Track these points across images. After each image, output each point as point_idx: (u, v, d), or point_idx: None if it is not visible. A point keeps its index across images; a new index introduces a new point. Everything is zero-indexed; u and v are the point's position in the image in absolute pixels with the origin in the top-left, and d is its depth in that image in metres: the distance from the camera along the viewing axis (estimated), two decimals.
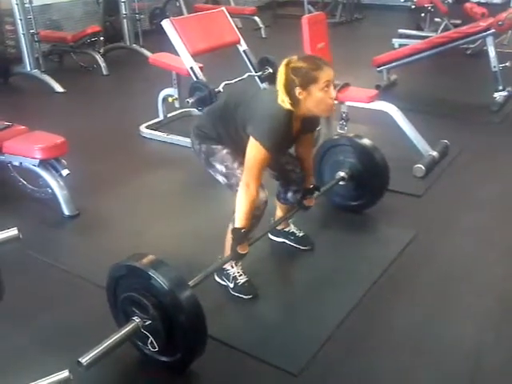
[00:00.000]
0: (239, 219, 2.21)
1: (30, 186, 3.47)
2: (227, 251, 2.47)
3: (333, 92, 2.17)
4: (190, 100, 3.97)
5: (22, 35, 5.95)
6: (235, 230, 2.23)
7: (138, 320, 1.95)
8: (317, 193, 2.72)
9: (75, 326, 2.37)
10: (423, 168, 3.59)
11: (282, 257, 2.86)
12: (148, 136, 4.53)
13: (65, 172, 3.21)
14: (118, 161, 4.10)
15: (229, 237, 2.43)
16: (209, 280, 2.54)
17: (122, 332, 1.93)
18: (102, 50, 6.97)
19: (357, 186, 3.06)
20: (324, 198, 3.15)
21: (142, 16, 7.45)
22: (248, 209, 2.19)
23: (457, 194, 3.46)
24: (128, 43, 7.34)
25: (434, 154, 3.74)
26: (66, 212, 3.25)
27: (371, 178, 3.02)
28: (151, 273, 1.90)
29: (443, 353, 2.18)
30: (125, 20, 7.24)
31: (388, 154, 3.09)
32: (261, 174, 2.21)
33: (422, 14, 7.69)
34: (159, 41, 5.35)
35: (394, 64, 5.26)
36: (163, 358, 2.05)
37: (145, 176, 3.82)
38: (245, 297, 2.48)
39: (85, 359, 1.78)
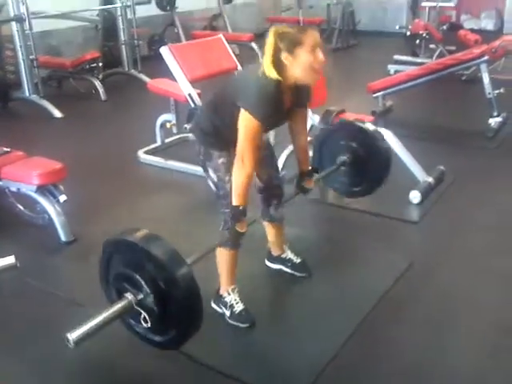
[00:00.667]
0: (236, 196, 2.17)
1: (27, 212, 3.48)
2: (220, 274, 2.49)
3: (320, 55, 2.13)
4: (188, 126, 4.00)
5: (21, 61, 6.03)
6: (233, 208, 2.19)
7: (130, 296, 1.87)
8: (316, 175, 2.67)
9: (72, 353, 2.34)
10: (419, 194, 3.61)
11: (279, 284, 2.85)
12: (146, 161, 4.55)
13: (62, 198, 3.22)
14: (116, 186, 4.11)
15: (219, 259, 2.45)
16: (205, 307, 2.54)
17: (114, 308, 1.85)
18: (100, 76, 7.03)
19: (357, 171, 2.98)
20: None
21: (140, 42, 7.53)
22: (244, 184, 2.16)
23: (453, 221, 3.47)
24: (126, 69, 7.42)
25: (430, 180, 3.76)
26: (63, 238, 3.25)
27: (373, 163, 2.93)
28: (146, 247, 1.83)
29: (442, 381, 2.17)
30: (123, 46, 7.33)
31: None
32: (255, 148, 2.15)
33: (417, 41, 7.80)
34: (157, 66, 5.40)
35: (389, 90, 5.30)
36: (156, 338, 1.97)
37: (142, 201, 3.83)
38: (241, 325, 2.46)
39: (73, 335, 1.72)
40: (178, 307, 1.83)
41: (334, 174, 3.02)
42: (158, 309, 1.85)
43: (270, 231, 2.80)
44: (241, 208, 2.18)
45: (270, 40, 2.13)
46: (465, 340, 2.42)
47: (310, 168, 2.61)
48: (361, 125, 2.98)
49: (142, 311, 1.87)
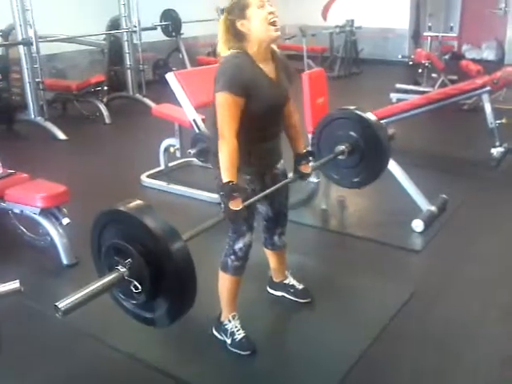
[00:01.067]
0: (224, 172, 2.11)
1: (29, 234, 3.48)
2: (221, 300, 2.48)
3: (270, 7, 2.16)
4: (192, 151, 4.03)
5: (27, 83, 6.10)
6: (223, 186, 2.09)
7: (122, 269, 1.79)
8: (311, 159, 2.62)
9: (74, 377, 2.33)
10: (422, 223, 3.61)
11: (281, 311, 2.83)
12: (149, 185, 4.57)
13: (65, 221, 3.23)
14: None
15: (221, 284, 2.44)
16: (206, 336, 2.53)
17: (105, 280, 1.77)
18: (105, 99, 7.11)
19: (356, 161, 2.87)
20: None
21: (145, 66, 7.63)
22: (230, 159, 2.11)
23: (456, 250, 3.46)
24: (131, 93, 7.50)
25: (433, 208, 3.77)
26: (65, 261, 3.24)
27: (371, 153, 2.83)
28: (140, 218, 1.76)
29: None
30: (129, 70, 7.42)
31: (387, 208, 3.12)
32: (234, 122, 2.12)
33: (420, 70, 7.88)
34: (161, 91, 5.47)
35: (391, 118, 5.35)
36: (148, 314, 1.90)
37: None
38: (242, 353, 2.44)
39: (62, 304, 1.66)
40: (172, 280, 1.76)
41: (332, 163, 2.91)
42: (150, 281, 1.77)
43: (272, 258, 2.80)
44: (231, 184, 2.08)
45: (221, 23, 2.21)
46: (467, 372, 2.39)
47: (304, 151, 2.54)
48: (361, 113, 2.86)
49: (135, 283, 1.78)
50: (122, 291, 1.87)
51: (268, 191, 2.31)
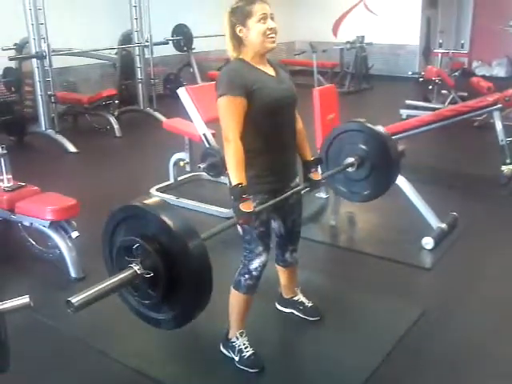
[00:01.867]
0: (233, 175, 2.11)
1: (38, 247, 3.49)
2: (230, 316, 2.46)
3: (271, 23, 2.18)
4: (202, 165, 4.04)
5: (39, 96, 6.15)
6: (233, 188, 2.09)
7: (136, 267, 1.74)
8: (319, 167, 2.60)
9: None
10: (432, 240, 3.58)
11: (290, 328, 2.80)
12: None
13: (74, 234, 3.23)
14: None
15: (231, 301, 2.43)
16: (215, 353, 2.51)
17: (118, 277, 1.74)
18: (116, 113, 7.16)
19: (365, 174, 2.85)
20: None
21: (156, 81, 7.68)
22: (237, 161, 2.11)
23: (466, 268, 3.43)
24: (142, 107, 7.54)
25: (443, 226, 3.74)
26: (73, 274, 3.24)
27: (381, 167, 2.81)
28: (157, 214, 1.72)
29: None
30: (140, 84, 7.47)
31: (397, 225, 3.10)
32: (236, 123, 2.13)
33: (430, 87, 7.87)
34: (172, 105, 5.50)
35: (402, 135, 5.33)
36: (160, 316, 1.86)
37: None
38: (250, 370, 2.42)
39: (76, 299, 1.62)
40: (187, 282, 1.72)
41: (341, 176, 2.90)
42: (165, 280, 1.73)
43: (282, 275, 2.78)
44: (240, 186, 2.08)
45: (225, 19, 2.22)
46: None
47: (313, 158, 2.51)
48: (371, 126, 2.86)
49: (147, 282, 1.75)
50: (135, 291, 1.83)
51: (280, 198, 2.29)
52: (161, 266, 1.72)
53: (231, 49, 2.25)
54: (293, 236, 2.58)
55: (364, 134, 2.84)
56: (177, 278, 1.73)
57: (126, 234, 1.84)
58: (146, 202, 1.78)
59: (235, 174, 2.11)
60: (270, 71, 2.28)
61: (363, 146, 2.82)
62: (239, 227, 2.33)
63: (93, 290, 1.67)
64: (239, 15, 2.19)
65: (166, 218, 1.70)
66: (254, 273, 2.36)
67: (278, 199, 2.29)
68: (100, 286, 1.69)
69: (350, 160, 2.81)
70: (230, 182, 2.15)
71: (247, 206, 2.08)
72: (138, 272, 1.74)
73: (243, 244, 2.36)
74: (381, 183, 2.88)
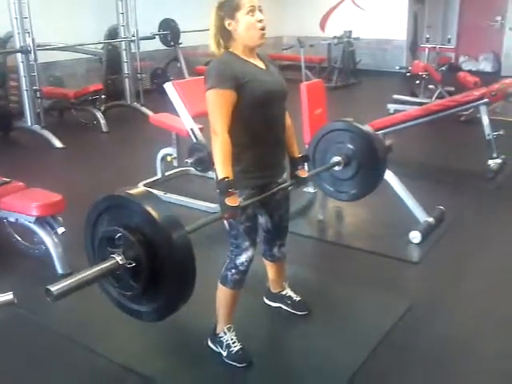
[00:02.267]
0: (219, 169, 2.09)
1: (24, 243, 3.45)
2: (218, 312, 2.46)
3: (259, 15, 2.18)
4: (190, 160, 4.02)
5: (24, 91, 6.08)
6: (219, 182, 2.08)
7: (118, 257, 1.72)
8: (306, 164, 2.60)
9: None
10: (419, 234, 3.59)
11: (278, 323, 2.80)
12: None
13: (60, 230, 3.20)
14: None
15: (219, 297, 2.42)
16: (202, 348, 2.50)
17: (99, 267, 1.71)
18: (102, 108, 7.10)
19: (351, 173, 2.85)
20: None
21: (143, 75, 7.63)
22: (224, 155, 2.10)
23: (453, 262, 3.45)
24: (129, 101, 7.49)
25: (430, 220, 3.75)
26: (60, 270, 3.21)
27: (367, 166, 2.81)
28: (142, 204, 1.69)
29: None
30: (127, 79, 7.41)
31: (384, 219, 3.10)
32: (224, 117, 2.11)
33: (417, 81, 7.90)
34: (159, 100, 5.47)
35: (389, 129, 5.35)
36: (142, 308, 1.83)
37: None
38: (238, 365, 2.41)
39: (55, 288, 1.60)
40: (170, 273, 1.70)
41: (328, 175, 2.91)
42: (147, 271, 1.71)
43: (270, 269, 2.77)
44: (226, 180, 2.07)
45: (212, 15, 2.21)
46: None
47: (299, 155, 2.50)
48: (358, 126, 2.86)
49: (129, 273, 1.73)
50: (117, 282, 1.80)
51: (266, 194, 2.29)
52: (143, 256, 1.70)
53: (214, 45, 2.23)
54: (280, 231, 2.58)
55: (351, 133, 2.84)
56: (159, 269, 1.71)
57: (108, 224, 1.81)
58: (129, 191, 1.75)
59: (222, 168, 2.10)
60: (260, 64, 2.27)
61: (350, 146, 2.83)
62: (226, 222, 2.32)
63: (73, 279, 1.65)
64: (227, 9, 2.18)
65: (149, 209, 1.68)
66: (241, 267, 2.35)
67: (264, 195, 2.28)
68: (80, 276, 1.66)
69: (337, 159, 2.81)
70: (216, 176, 2.14)
71: (233, 201, 2.07)
72: (120, 262, 1.72)
73: (230, 239, 2.35)
74: (367, 182, 2.89)
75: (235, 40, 2.21)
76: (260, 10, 2.20)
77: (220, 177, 2.09)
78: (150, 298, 1.79)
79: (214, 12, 2.21)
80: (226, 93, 2.11)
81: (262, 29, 2.19)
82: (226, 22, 2.18)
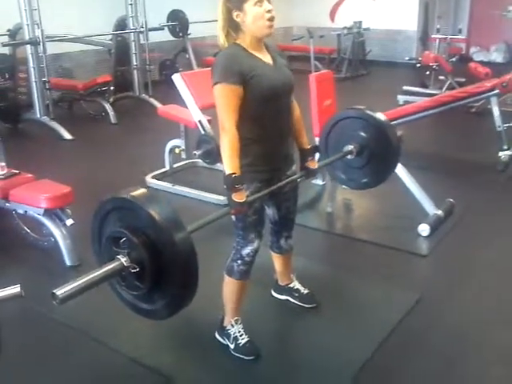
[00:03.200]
0: (227, 165, 2.09)
1: (33, 235, 3.47)
2: (225, 304, 2.45)
3: (267, 5, 2.15)
4: (198, 152, 4.02)
5: (33, 83, 6.09)
6: (226, 178, 2.07)
7: (123, 259, 1.75)
8: (317, 154, 2.58)
9: (76, 380, 2.31)
10: (428, 227, 3.57)
11: (286, 316, 2.80)
12: (153, 186, 4.54)
13: (69, 222, 3.21)
14: None
15: (225, 289, 2.42)
16: (210, 340, 2.50)
17: (105, 269, 1.73)
18: (111, 99, 7.10)
19: (364, 162, 2.82)
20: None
21: (152, 67, 7.61)
22: (231, 150, 2.10)
23: (463, 254, 3.42)
24: (137, 93, 7.48)
25: (440, 212, 3.73)
26: (68, 262, 3.23)
27: (380, 154, 2.78)
28: (143, 206, 1.72)
29: None
30: (135, 70, 7.40)
31: (393, 212, 3.08)
32: (232, 112, 2.10)
33: (427, 72, 7.83)
34: (168, 91, 5.46)
35: (399, 121, 5.30)
36: (145, 306, 1.87)
37: None
38: (246, 358, 2.41)
39: (60, 291, 1.61)
40: (173, 271, 1.73)
41: (340, 163, 2.87)
42: (151, 272, 1.74)
43: (277, 261, 2.77)
44: (234, 176, 2.06)
45: (220, 7, 2.19)
46: (476, 380, 2.35)
47: (310, 146, 2.48)
48: (370, 113, 2.82)
49: (134, 274, 1.75)
50: (123, 281, 1.82)
51: (273, 188, 2.27)
52: (147, 259, 1.72)
53: (223, 37, 2.21)
54: (287, 223, 2.57)
55: (364, 121, 2.80)
56: (163, 269, 1.73)
57: (114, 224, 1.83)
58: (132, 193, 1.76)
59: (229, 164, 2.09)
60: (267, 58, 2.25)
61: (363, 133, 2.78)
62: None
63: (79, 282, 1.66)
64: (235, 1, 2.15)
65: (151, 211, 1.70)
66: (247, 258, 2.35)
67: (271, 188, 2.26)
68: (86, 278, 1.68)
69: (350, 147, 2.77)
70: (224, 171, 2.13)
71: (240, 196, 2.07)
72: (125, 264, 1.74)
73: (236, 230, 2.34)
74: (379, 172, 2.86)
75: (243, 32, 2.18)
76: (268, 0, 2.17)
77: (227, 172, 2.08)
78: (155, 297, 1.81)
79: (222, 3, 2.19)
80: (232, 88, 2.09)
81: (271, 19, 2.16)
82: (234, 14, 2.16)
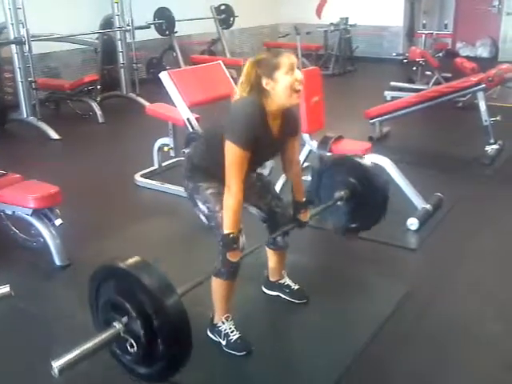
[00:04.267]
0: (226, 224, 2.15)
1: (21, 235, 3.45)
2: (215, 303, 2.45)
3: (298, 74, 2.18)
4: (186, 150, 4.00)
5: (19, 83, 6.04)
6: (224, 236, 2.16)
7: (118, 326, 1.82)
8: (311, 207, 2.66)
9: (68, 380, 2.29)
10: (417, 221, 3.60)
11: (277, 311, 2.81)
12: (142, 184, 4.54)
13: (58, 222, 3.19)
14: (112, 209, 4.09)
15: (214, 289, 2.42)
16: (201, 336, 2.50)
17: (101, 337, 1.80)
18: (98, 98, 7.06)
19: (355, 207, 2.92)
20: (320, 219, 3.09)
21: (139, 65, 7.58)
22: (234, 211, 2.14)
23: (451, 248, 3.45)
24: (124, 92, 7.45)
25: (428, 206, 3.76)
26: (58, 262, 3.22)
27: (371, 199, 2.88)
28: (137, 275, 1.80)
29: None
30: (122, 69, 7.37)
31: None
32: (240, 174, 2.15)
33: (414, 68, 7.87)
34: (155, 89, 5.44)
35: (386, 116, 5.35)
36: (142, 370, 1.91)
37: (139, 225, 3.81)
38: (238, 354, 2.42)
39: (58, 363, 1.64)
40: (166, 338, 1.80)
41: (331, 209, 2.96)
42: (145, 339, 1.81)
43: (272, 258, 2.79)
44: (231, 236, 2.15)
45: (247, 68, 2.21)
46: (465, 372, 2.38)
47: (304, 199, 2.59)
48: (359, 160, 2.94)
49: (130, 340, 1.82)
50: (119, 346, 1.90)
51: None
52: (141, 325, 1.80)
53: (241, 92, 2.24)
54: (276, 217, 2.58)
55: (352, 167, 2.93)
56: (157, 335, 1.81)
57: (109, 291, 1.91)
58: (125, 262, 1.85)
59: (229, 224, 2.16)
60: (276, 125, 2.28)
61: (352, 180, 2.90)
62: (203, 217, 2.39)
63: (76, 352, 1.71)
64: (265, 68, 2.17)
65: (143, 279, 1.78)
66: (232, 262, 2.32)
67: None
68: (83, 348, 1.73)
69: (340, 193, 2.89)
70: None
71: (234, 256, 2.17)
72: (120, 331, 1.82)
73: (213, 231, 2.35)
74: (370, 216, 2.96)
75: (271, 99, 2.20)
76: (298, 68, 2.20)
77: (226, 231, 2.15)
78: (150, 360, 1.88)
79: (251, 67, 2.20)
80: (245, 153, 2.15)
81: (300, 89, 2.19)
82: (264, 81, 2.17)
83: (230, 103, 2.35)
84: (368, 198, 2.87)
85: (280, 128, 2.30)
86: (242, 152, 2.13)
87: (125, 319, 1.82)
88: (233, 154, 2.14)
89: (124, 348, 1.87)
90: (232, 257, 2.16)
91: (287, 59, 2.17)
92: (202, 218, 2.41)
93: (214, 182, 2.33)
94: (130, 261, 1.85)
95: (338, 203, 2.89)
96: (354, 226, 3.00)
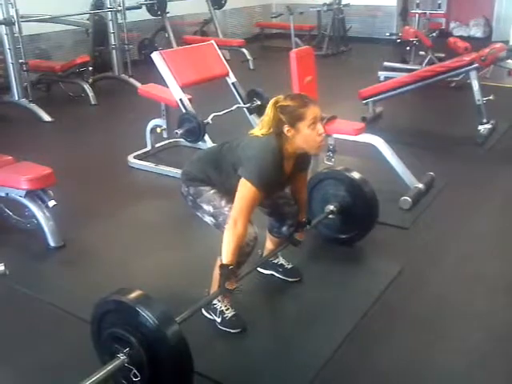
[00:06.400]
0: (226, 256, 2.20)
1: (15, 217, 3.45)
2: (214, 286, 2.45)
3: (320, 128, 2.22)
4: (179, 131, 4.00)
5: (10, 64, 5.97)
6: (223, 267, 2.21)
7: (122, 357, 1.90)
8: (308, 227, 2.74)
9: (60, 363, 2.32)
10: (410, 200, 3.62)
11: (271, 289, 2.84)
12: (136, 166, 4.53)
13: (51, 203, 3.19)
14: (105, 191, 4.09)
15: (216, 271, 2.41)
16: (196, 314, 2.52)
17: (106, 369, 1.87)
18: (90, 80, 7.00)
19: (346, 219, 3.05)
20: (313, 230, 3.14)
21: (130, 46, 7.51)
22: (235, 246, 2.18)
23: (443, 226, 3.48)
24: (116, 73, 7.38)
25: (421, 186, 3.77)
26: (52, 243, 3.22)
27: (361, 211, 3.01)
28: (137, 308, 1.87)
29: None
30: (114, 50, 7.30)
31: (374, 186, 3.10)
32: (250, 213, 2.21)
33: (408, 48, 7.84)
34: (147, 71, 5.40)
35: (379, 97, 5.34)
36: None
37: (132, 206, 3.81)
38: (232, 331, 2.45)
39: None
40: (169, 368, 1.88)
41: (324, 221, 3.07)
42: (149, 369, 1.89)
43: (271, 242, 2.82)
44: (230, 268, 2.19)
45: (271, 112, 2.23)
46: (456, 347, 2.42)
47: (304, 219, 2.67)
48: (347, 173, 3.04)
49: (134, 371, 1.91)
50: (124, 377, 1.96)
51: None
52: (144, 355, 1.88)
53: (262, 128, 2.26)
54: (282, 210, 2.62)
55: (341, 180, 3.04)
56: (159, 364, 1.88)
57: (110, 324, 1.98)
58: (126, 296, 1.94)
59: (229, 256, 2.19)
60: (289, 167, 2.33)
61: (342, 193, 3.02)
62: (209, 217, 2.43)
63: None
64: (289, 116, 2.19)
65: (142, 311, 1.86)
66: (247, 249, 2.34)
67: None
68: (90, 380, 1.79)
69: (331, 207, 2.99)
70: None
71: (232, 285, 2.22)
72: (124, 362, 1.89)
73: (221, 228, 2.35)
74: (360, 227, 3.10)
75: (290, 144, 2.23)
76: (321, 121, 2.22)
77: (225, 262, 2.19)
78: None
79: (274, 111, 2.23)
80: (258, 193, 2.18)
81: (321, 142, 2.23)
82: (285, 128, 2.20)
83: (248, 136, 2.35)
84: (358, 209, 3.00)
85: (293, 167, 2.36)
86: (256, 193, 2.18)
87: (128, 351, 1.90)
88: (247, 191, 2.18)
89: (128, 379, 1.95)
90: (229, 286, 2.21)
91: (311, 112, 2.19)
92: (208, 219, 2.45)
93: (216, 187, 2.40)
94: (131, 295, 1.94)
95: (330, 216, 3.01)
96: (346, 236, 3.13)
